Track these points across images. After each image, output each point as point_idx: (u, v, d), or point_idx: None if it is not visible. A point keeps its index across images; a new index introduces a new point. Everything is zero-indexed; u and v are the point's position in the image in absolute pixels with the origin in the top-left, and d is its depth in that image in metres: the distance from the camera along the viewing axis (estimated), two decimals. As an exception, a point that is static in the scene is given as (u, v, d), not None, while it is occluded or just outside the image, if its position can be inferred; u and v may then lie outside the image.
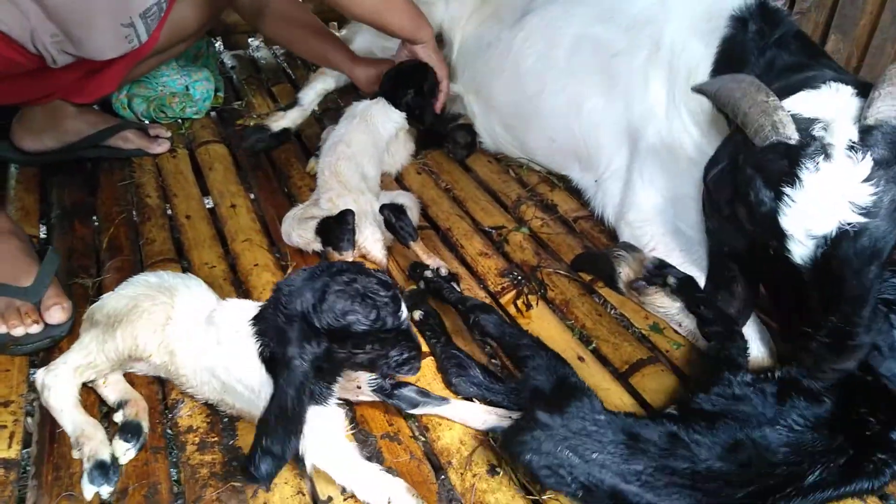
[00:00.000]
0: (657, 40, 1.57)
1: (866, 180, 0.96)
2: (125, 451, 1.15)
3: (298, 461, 1.16)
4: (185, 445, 1.19)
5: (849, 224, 0.97)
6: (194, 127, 2.24)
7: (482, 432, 1.22)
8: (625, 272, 1.53)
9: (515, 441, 1.07)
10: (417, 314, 1.43)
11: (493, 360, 1.39)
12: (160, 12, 1.47)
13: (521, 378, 1.21)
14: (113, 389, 1.24)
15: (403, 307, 1.03)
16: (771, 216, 1.03)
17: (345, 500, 1.11)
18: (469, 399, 1.27)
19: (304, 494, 1.12)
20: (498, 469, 1.16)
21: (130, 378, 1.29)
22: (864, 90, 1.05)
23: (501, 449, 1.15)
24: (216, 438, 1.21)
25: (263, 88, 2.55)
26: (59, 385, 1.17)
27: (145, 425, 1.20)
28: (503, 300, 1.55)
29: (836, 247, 0.98)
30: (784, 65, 1.23)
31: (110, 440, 1.16)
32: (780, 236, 1.02)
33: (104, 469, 1.11)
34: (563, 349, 1.33)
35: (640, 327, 1.49)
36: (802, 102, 1.07)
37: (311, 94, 2.26)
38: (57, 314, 1.37)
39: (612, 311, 1.54)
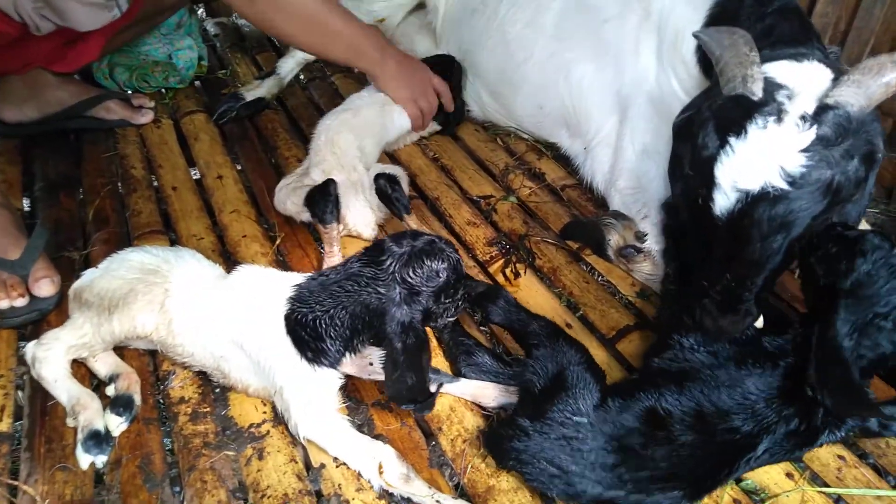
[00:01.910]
0: (647, 6, 1.56)
1: (803, 151, 0.98)
2: (118, 425, 1.16)
3: (291, 430, 1.18)
4: (178, 416, 1.20)
5: (772, 186, 0.99)
6: (178, 97, 2.21)
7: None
8: (614, 239, 1.54)
9: (498, 447, 1.10)
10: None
11: (482, 328, 1.40)
12: None
13: (518, 371, 1.21)
14: (104, 363, 1.24)
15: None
16: (709, 162, 1.05)
17: (337, 466, 1.13)
18: None
19: (296, 462, 1.14)
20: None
21: (121, 350, 1.29)
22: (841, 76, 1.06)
23: (486, 449, 1.15)
24: (208, 409, 1.22)
25: (248, 57, 2.51)
26: (50, 357, 1.18)
27: (137, 398, 1.20)
28: (491, 269, 1.56)
29: (753, 206, 1.01)
30: (781, 35, 1.23)
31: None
32: (710, 184, 1.05)
33: (98, 439, 1.12)
34: (550, 316, 1.35)
35: (627, 294, 1.50)
36: (781, 69, 1.08)
37: (291, 63, 2.21)
38: (46, 287, 1.37)
39: (599, 279, 1.55)
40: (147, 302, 1.18)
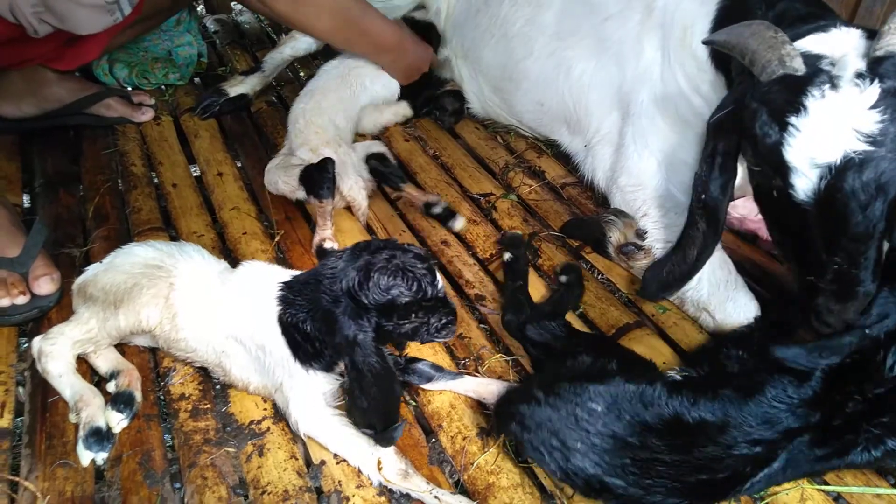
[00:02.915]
0: (649, 3, 1.55)
1: (873, 107, 0.94)
2: (118, 421, 1.16)
3: (290, 426, 1.19)
4: (178, 413, 1.20)
5: (854, 152, 0.94)
6: (178, 93, 2.21)
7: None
8: (615, 237, 1.55)
9: (505, 408, 1.10)
10: (507, 255, 1.49)
11: (482, 325, 1.41)
12: None
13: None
14: (105, 360, 1.24)
15: (438, 276, 1.09)
16: (776, 149, 1.00)
17: (337, 463, 1.13)
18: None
19: (297, 459, 1.14)
20: (488, 432, 1.18)
21: (122, 347, 1.29)
22: (873, 35, 1.02)
23: (493, 412, 1.17)
24: (209, 405, 1.22)
25: (248, 53, 2.51)
26: (56, 352, 1.18)
27: (138, 395, 1.21)
28: (492, 266, 1.56)
29: (840, 178, 0.95)
30: (796, 15, 1.20)
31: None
32: (784, 171, 1.00)
33: (100, 436, 1.12)
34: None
35: (627, 292, 1.50)
36: (811, 43, 1.05)
37: (277, 59, 2.20)
38: (46, 285, 1.37)
39: (599, 277, 1.56)
40: (152, 296, 1.18)
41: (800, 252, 1.11)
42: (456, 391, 1.25)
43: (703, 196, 1.25)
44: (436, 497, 1.06)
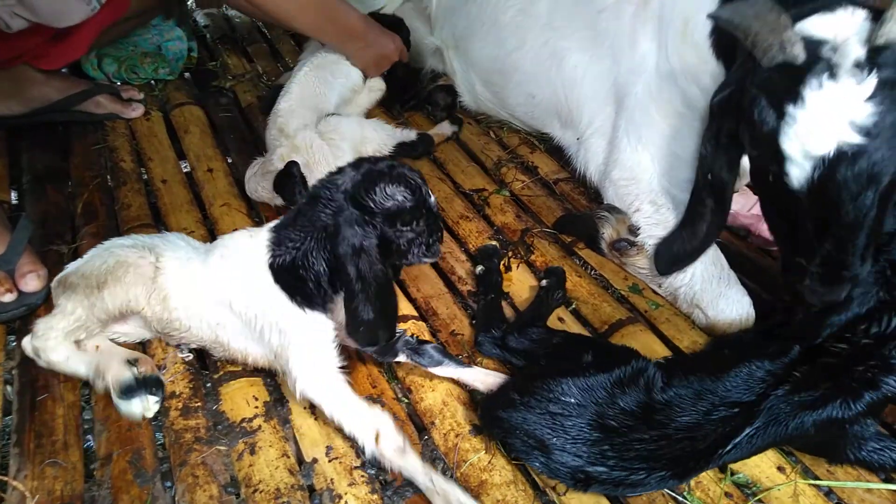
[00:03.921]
0: None
1: (869, 99, 0.94)
2: (155, 402, 1.18)
3: (283, 424, 1.18)
4: (169, 411, 1.19)
5: (848, 144, 0.95)
6: (168, 88, 2.19)
7: (465, 393, 1.24)
8: (608, 233, 1.54)
9: (487, 415, 1.12)
10: (479, 268, 1.48)
11: (475, 321, 1.40)
12: None
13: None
14: (112, 353, 1.23)
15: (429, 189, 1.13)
16: (772, 136, 1.01)
17: (329, 461, 1.12)
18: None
19: (289, 457, 1.13)
20: (480, 429, 1.17)
21: (111, 345, 1.28)
22: (879, 16, 1.01)
23: (479, 415, 1.17)
24: (199, 403, 1.21)
25: (238, 48, 2.49)
26: (52, 345, 1.17)
27: (162, 378, 1.22)
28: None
29: (833, 169, 0.97)
30: None
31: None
32: (780, 158, 1.01)
33: (132, 390, 1.14)
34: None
35: (620, 288, 1.50)
36: (815, 25, 1.04)
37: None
38: (32, 282, 1.35)
39: (592, 273, 1.55)
40: (139, 275, 1.17)
41: (792, 235, 1.12)
42: (462, 378, 1.24)
43: (710, 175, 1.25)
44: (430, 480, 1.05)
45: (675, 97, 1.48)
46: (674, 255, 1.38)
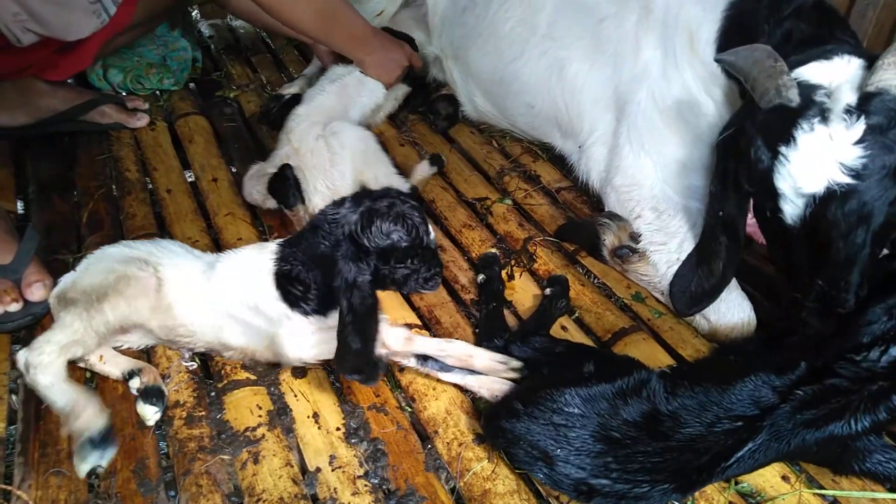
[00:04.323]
0: (647, 3, 1.56)
1: (858, 143, 0.98)
2: (153, 414, 1.18)
3: (286, 433, 1.18)
4: (173, 420, 1.20)
5: (837, 184, 0.99)
6: (173, 98, 2.20)
7: (468, 402, 1.24)
8: (609, 240, 1.55)
9: (490, 425, 1.12)
10: (481, 277, 1.48)
11: (478, 330, 1.41)
12: None
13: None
14: (114, 364, 1.24)
15: (430, 226, 1.17)
16: (766, 175, 1.06)
17: (332, 470, 1.12)
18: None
19: (292, 466, 1.13)
20: (484, 438, 1.17)
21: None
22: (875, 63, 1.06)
23: (482, 425, 1.17)
24: (203, 412, 1.21)
25: (242, 58, 2.51)
26: (45, 362, 1.16)
27: (165, 389, 1.22)
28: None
29: (824, 207, 1.01)
30: (802, 37, 1.24)
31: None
32: (774, 196, 1.06)
33: (95, 444, 1.10)
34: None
35: (623, 296, 1.50)
36: (812, 71, 1.09)
37: (313, 68, 2.22)
38: (38, 291, 1.36)
39: (595, 281, 1.56)
40: (141, 288, 1.19)
41: (789, 270, 1.16)
42: (468, 385, 1.25)
43: (721, 213, 1.28)
44: (440, 349, 1.21)
45: (684, 104, 1.49)
46: (693, 294, 1.38)
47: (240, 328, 1.23)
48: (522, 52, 1.83)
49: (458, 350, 1.22)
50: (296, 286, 1.15)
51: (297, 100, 2.01)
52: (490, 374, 1.23)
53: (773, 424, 1.02)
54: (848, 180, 0.98)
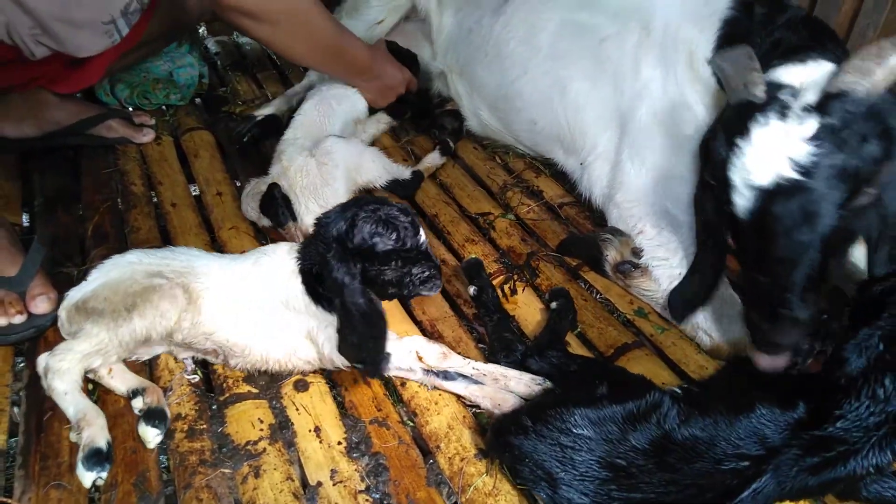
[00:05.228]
0: (646, 24, 1.59)
1: (810, 140, 1.00)
2: (154, 436, 1.17)
3: (287, 447, 1.18)
4: (174, 433, 1.20)
5: (785, 179, 1.00)
6: (179, 114, 2.22)
7: (471, 416, 1.24)
8: (611, 256, 1.55)
9: (497, 439, 1.11)
10: (472, 289, 1.47)
11: (480, 345, 1.40)
12: (141, 7, 1.44)
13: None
14: (121, 380, 1.24)
15: (422, 232, 1.19)
16: (722, 166, 1.08)
17: (334, 485, 1.12)
18: None
19: (293, 480, 1.13)
20: (486, 453, 1.17)
21: (118, 367, 1.28)
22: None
23: (489, 442, 1.16)
24: (205, 426, 1.21)
25: (248, 75, 2.53)
26: (64, 368, 1.17)
27: (168, 410, 1.21)
28: (490, 286, 1.56)
29: (770, 201, 1.02)
30: (789, 46, 1.27)
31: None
32: (728, 188, 1.08)
33: (100, 456, 1.11)
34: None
35: (625, 312, 1.50)
36: (784, 72, 1.12)
37: (305, 84, 2.22)
38: (43, 304, 1.36)
39: (598, 297, 1.55)
40: (171, 296, 1.20)
41: (742, 267, 1.18)
42: (471, 395, 1.26)
43: (704, 218, 1.27)
44: (474, 368, 1.26)
45: (685, 119, 1.51)
46: (686, 300, 1.39)
47: (268, 328, 1.25)
48: (525, 71, 1.86)
49: (492, 371, 1.26)
50: (316, 282, 1.19)
51: (272, 120, 2.07)
52: (525, 396, 1.24)
53: (777, 468, 1.00)
54: (796, 176, 1.00)
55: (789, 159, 1.00)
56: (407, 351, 1.26)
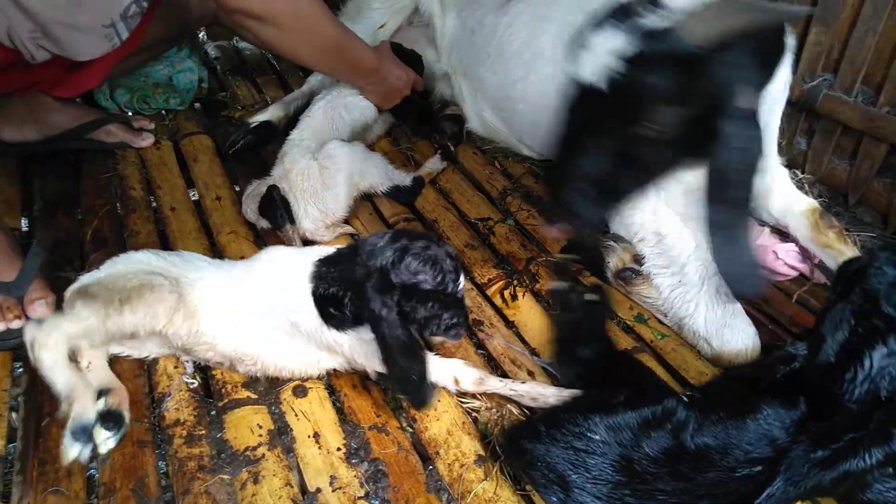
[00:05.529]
0: None
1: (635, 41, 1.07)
2: (105, 440, 1.15)
3: (286, 453, 1.17)
4: (173, 439, 1.19)
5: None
6: (178, 118, 2.22)
7: (470, 422, 1.24)
8: (613, 262, 1.54)
9: (511, 443, 1.11)
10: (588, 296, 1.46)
11: (479, 351, 1.40)
12: (141, 11, 1.44)
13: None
14: (96, 375, 1.23)
15: (462, 278, 1.19)
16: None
17: (332, 491, 1.11)
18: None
19: (292, 486, 1.12)
20: (485, 459, 1.17)
21: (116, 371, 1.28)
22: None
23: (501, 446, 1.16)
24: (203, 431, 1.21)
25: (248, 79, 2.53)
26: (51, 343, 1.16)
27: (127, 415, 1.20)
28: (489, 291, 1.56)
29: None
30: None
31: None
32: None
33: (87, 431, 1.11)
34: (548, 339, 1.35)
35: (625, 318, 1.50)
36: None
37: (304, 90, 2.22)
38: (40, 308, 1.36)
39: (598, 302, 1.55)
40: (165, 295, 1.20)
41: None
42: (517, 391, 1.26)
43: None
44: (511, 389, 1.25)
45: None
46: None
47: (281, 341, 1.25)
48: (528, 74, 1.86)
49: (529, 390, 1.25)
50: (334, 308, 1.17)
51: (267, 127, 2.07)
52: None
53: (789, 468, 0.99)
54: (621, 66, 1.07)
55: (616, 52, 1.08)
56: (445, 375, 1.26)
